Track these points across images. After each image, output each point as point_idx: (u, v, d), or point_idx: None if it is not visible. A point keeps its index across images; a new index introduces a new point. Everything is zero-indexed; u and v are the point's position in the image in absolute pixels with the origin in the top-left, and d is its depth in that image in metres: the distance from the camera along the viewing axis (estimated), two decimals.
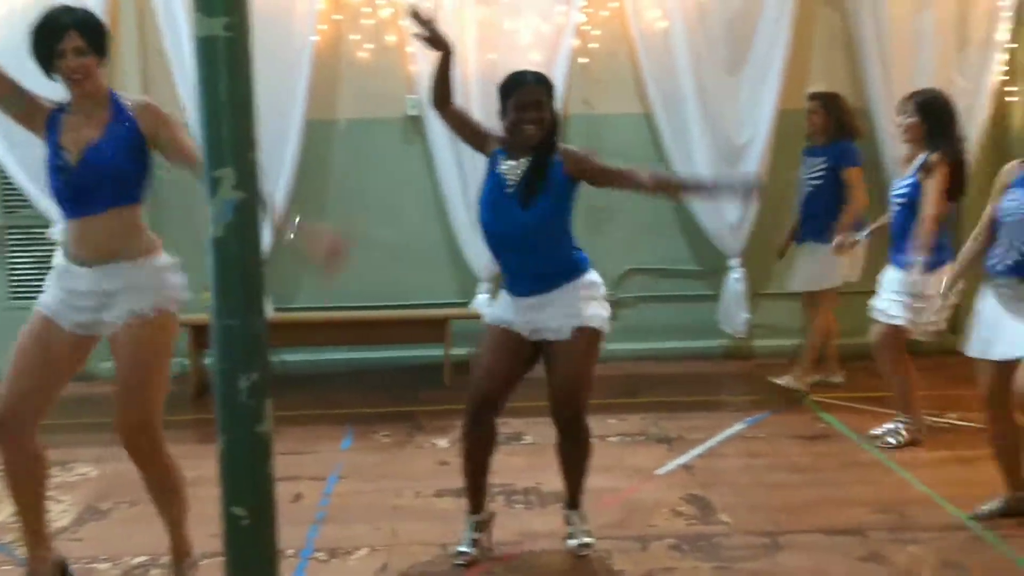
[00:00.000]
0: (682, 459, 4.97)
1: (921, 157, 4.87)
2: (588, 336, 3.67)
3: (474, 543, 3.84)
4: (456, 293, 6.99)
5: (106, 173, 3.25)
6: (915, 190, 4.88)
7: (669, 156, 6.90)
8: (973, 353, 4.04)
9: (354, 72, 6.79)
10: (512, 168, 3.68)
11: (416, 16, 3.56)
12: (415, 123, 6.84)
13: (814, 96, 6.13)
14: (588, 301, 3.70)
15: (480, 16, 6.64)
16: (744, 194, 3.97)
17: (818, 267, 6.03)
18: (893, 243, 5.04)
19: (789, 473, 4.78)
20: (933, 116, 4.87)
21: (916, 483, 4.57)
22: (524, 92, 3.64)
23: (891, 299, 4.95)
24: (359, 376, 6.85)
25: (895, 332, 4.97)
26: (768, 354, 7.09)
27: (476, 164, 6.56)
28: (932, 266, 4.82)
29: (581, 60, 6.78)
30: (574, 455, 3.83)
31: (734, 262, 6.97)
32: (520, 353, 3.75)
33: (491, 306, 3.92)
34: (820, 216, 5.91)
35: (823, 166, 5.97)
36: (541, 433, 4.96)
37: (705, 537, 4.01)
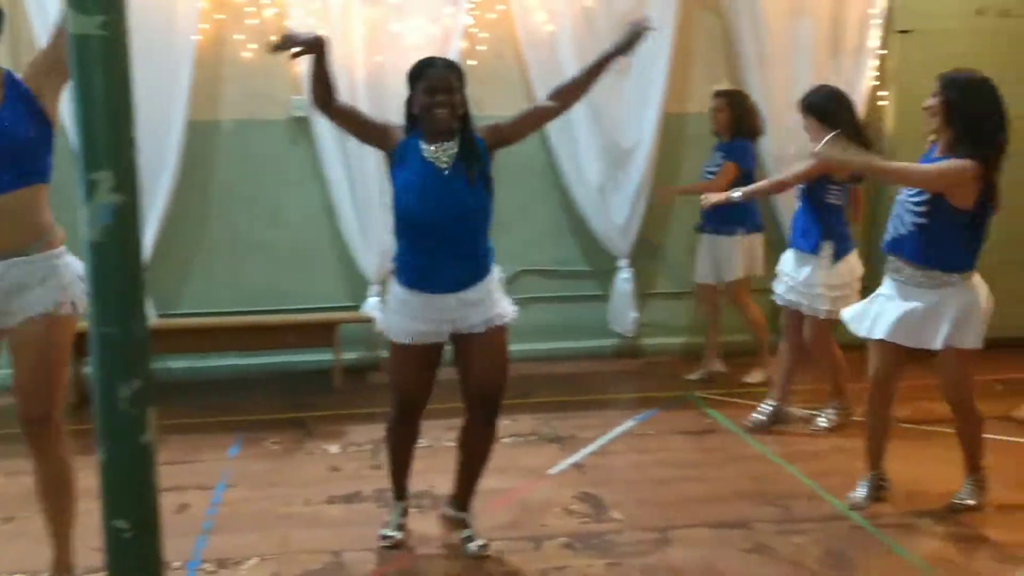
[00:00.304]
0: (573, 458, 5.01)
1: None
2: (505, 328, 3.78)
3: (400, 528, 4.00)
4: (346, 296, 6.91)
5: (6, 144, 3.13)
6: (815, 180, 5.06)
7: (557, 158, 6.96)
8: (844, 318, 4.31)
9: (238, 72, 6.65)
10: (442, 150, 3.63)
11: (276, 47, 3.44)
12: (301, 124, 6.73)
13: (719, 93, 6.24)
14: (501, 295, 3.80)
15: (367, 17, 6.56)
16: (638, 40, 3.82)
17: (719, 259, 6.20)
18: (798, 231, 5.20)
19: (677, 469, 4.87)
20: (827, 113, 4.97)
21: (800, 476, 4.71)
22: (433, 77, 3.60)
23: (814, 292, 5.09)
24: (247, 382, 6.72)
25: (823, 324, 5.14)
26: (657, 352, 7.22)
27: (364, 166, 6.54)
28: (839, 254, 5.07)
29: (470, 62, 6.77)
30: (483, 448, 3.89)
31: (623, 262, 7.06)
32: (435, 361, 3.82)
33: (389, 314, 3.82)
34: (718, 210, 5.85)
35: (720, 160, 6.12)
36: (435, 436, 4.95)
37: (597, 535, 4.06)
